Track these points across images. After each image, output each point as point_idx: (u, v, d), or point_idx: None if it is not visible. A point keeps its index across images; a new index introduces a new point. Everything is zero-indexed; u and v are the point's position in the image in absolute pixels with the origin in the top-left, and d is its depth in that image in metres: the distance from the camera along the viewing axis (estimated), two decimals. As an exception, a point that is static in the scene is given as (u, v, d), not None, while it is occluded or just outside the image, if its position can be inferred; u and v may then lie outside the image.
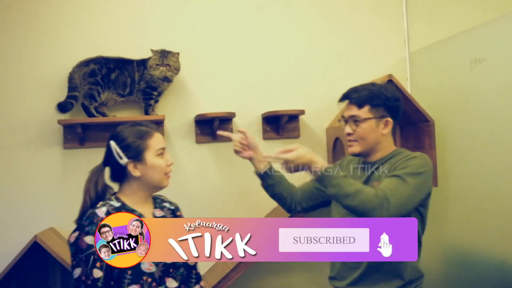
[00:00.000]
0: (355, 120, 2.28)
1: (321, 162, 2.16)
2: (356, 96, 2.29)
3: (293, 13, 3.39)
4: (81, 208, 2.12)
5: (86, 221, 2.00)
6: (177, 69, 3.11)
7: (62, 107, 2.95)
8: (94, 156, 3.11)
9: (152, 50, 3.08)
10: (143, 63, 3.11)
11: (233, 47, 3.32)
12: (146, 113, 3.11)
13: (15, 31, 3.11)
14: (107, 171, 2.19)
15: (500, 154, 2.64)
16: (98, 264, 1.94)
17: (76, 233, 1.99)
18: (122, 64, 3.09)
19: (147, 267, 2.01)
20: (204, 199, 3.22)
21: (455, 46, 2.98)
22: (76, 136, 3.09)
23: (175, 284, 2.07)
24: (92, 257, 1.94)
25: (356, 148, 2.31)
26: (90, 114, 3.03)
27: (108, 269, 1.95)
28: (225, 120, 3.23)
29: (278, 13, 3.37)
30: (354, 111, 2.28)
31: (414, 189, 2.14)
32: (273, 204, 3.27)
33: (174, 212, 2.25)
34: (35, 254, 2.92)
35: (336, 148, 3.25)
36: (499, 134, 2.65)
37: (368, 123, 2.27)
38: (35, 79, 3.11)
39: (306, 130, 3.37)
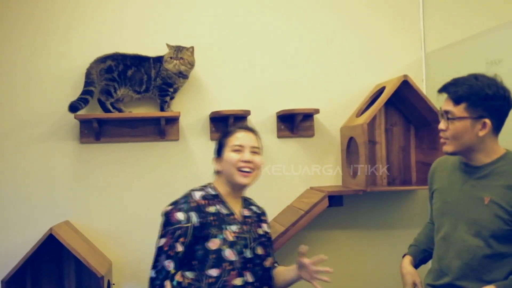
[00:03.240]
0: (449, 117, 2.07)
1: None
2: (454, 91, 2.06)
3: (309, 13, 3.39)
4: None
5: (182, 199, 2.23)
6: (191, 64, 3.12)
7: (73, 108, 2.97)
8: (109, 151, 3.17)
9: (167, 45, 3.10)
10: (159, 60, 3.13)
11: (249, 45, 3.33)
12: (162, 109, 3.13)
13: (30, 28, 3.14)
14: None
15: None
16: (181, 240, 2.12)
17: (171, 207, 2.21)
18: (138, 61, 3.11)
19: (229, 254, 2.15)
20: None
21: (471, 47, 2.97)
22: (92, 131, 3.11)
23: (252, 279, 2.20)
24: (178, 231, 2.12)
25: (449, 147, 2.11)
26: (106, 110, 3.06)
27: (192, 249, 2.13)
28: (240, 118, 3.25)
29: (295, 13, 3.38)
30: (450, 106, 2.07)
31: None
32: (286, 202, 3.30)
33: (260, 216, 2.40)
34: (50, 247, 2.95)
35: (350, 147, 3.25)
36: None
37: (462, 123, 2.05)
38: (52, 75, 3.14)
39: (321, 129, 3.38)
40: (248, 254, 2.19)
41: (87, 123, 3.11)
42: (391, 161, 3.36)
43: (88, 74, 3.05)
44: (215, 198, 2.27)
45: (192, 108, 3.25)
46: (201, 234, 2.14)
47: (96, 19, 3.20)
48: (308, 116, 3.32)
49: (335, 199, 3.11)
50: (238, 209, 2.31)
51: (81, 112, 3.03)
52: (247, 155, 2.25)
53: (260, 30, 3.34)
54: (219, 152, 2.33)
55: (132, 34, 3.21)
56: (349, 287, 3.37)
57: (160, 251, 2.13)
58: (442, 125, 2.11)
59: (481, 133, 2.05)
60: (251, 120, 3.29)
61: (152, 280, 2.11)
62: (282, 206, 3.30)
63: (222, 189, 2.31)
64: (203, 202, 2.22)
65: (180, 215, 2.15)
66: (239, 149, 2.25)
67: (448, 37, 3.34)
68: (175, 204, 2.21)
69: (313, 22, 3.39)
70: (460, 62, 3.06)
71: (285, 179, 3.34)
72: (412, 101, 3.16)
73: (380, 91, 3.22)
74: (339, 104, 3.37)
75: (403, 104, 3.27)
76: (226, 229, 2.18)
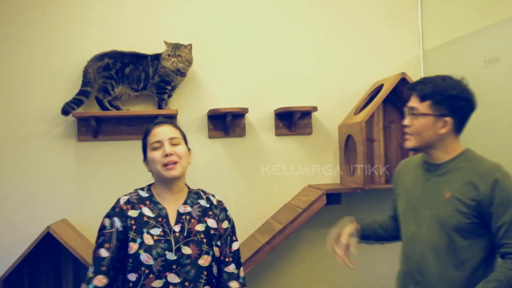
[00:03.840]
0: (414, 113, 2.15)
1: None
2: (420, 89, 2.14)
3: (307, 11, 3.39)
4: None
5: (112, 206, 2.21)
6: (188, 61, 3.12)
7: (64, 111, 3.00)
8: (107, 149, 3.17)
9: (165, 42, 3.10)
10: (157, 58, 3.13)
11: (247, 43, 3.33)
12: (160, 107, 3.12)
13: (29, 26, 3.13)
14: None
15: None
16: (106, 245, 2.11)
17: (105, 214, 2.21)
18: (136, 59, 3.11)
19: (145, 259, 2.09)
20: (215, 194, 3.23)
21: (469, 45, 2.97)
22: (90, 129, 3.11)
23: (177, 280, 2.11)
24: (102, 237, 2.13)
25: (411, 142, 2.18)
26: (104, 108, 3.06)
27: (116, 252, 2.12)
28: (238, 116, 3.25)
29: (293, 10, 3.37)
30: (415, 103, 2.14)
31: None
32: (284, 200, 3.30)
33: (206, 211, 2.26)
34: (47, 245, 2.95)
35: (348, 145, 3.25)
36: (512, 133, 2.65)
37: (425, 119, 2.13)
38: (49, 73, 3.14)
39: (319, 127, 3.38)
40: (171, 256, 2.11)
41: (85, 121, 3.11)
42: (389, 159, 3.36)
43: (85, 73, 3.06)
44: (145, 200, 2.20)
45: (190, 106, 3.25)
46: (124, 238, 2.12)
47: (95, 16, 3.19)
48: (306, 113, 3.32)
49: (333, 197, 3.11)
50: (175, 207, 2.22)
51: (78, 110, 3.04)
52: (167, 149, 2.17)
53: (258, 28, 3.34)
54: (144, 154, 2.26)
55: (130, 32, 3.21)
56: (347, 285, 3.37)
57: (92, 255, 2.14)
58: (406, 121, 2.19)
59: (442, 131, 2.13)
60: (249, 118, 3.29)
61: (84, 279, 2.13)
62: (280, 204, 3.31)
63: (157, 189, 2.25)
64: (125, 207, 2.17)
65: (106, 221, 2.16)
66: (158, 146, 2.19)
67: (446, 34, 3.35)
68: (108, 211, 2.21)
69: (311, 20, 3.39)
70: (458, 59, 3.06)
71: (283, 177, 3.34)
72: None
73: (378, 88, 3.22)
74: (337, 102, 3.37)
75: (401, 102, 3.26)
76: (146, 232, 2.12)
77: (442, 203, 2.14)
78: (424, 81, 2.18)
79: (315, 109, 3.24)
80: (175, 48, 3.08)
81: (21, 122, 3.12)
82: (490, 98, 2.79)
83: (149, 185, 2.29)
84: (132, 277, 2.09)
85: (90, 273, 2.09)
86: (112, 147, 3.18)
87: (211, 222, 2.24)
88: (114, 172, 3.18)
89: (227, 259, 2.25)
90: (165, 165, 2.16)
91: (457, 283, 2.11)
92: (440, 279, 2.13)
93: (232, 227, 2.31)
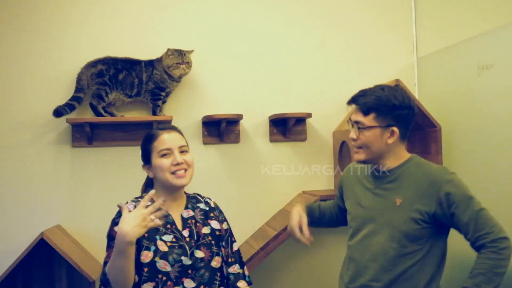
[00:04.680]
0: (360, 127, 2.18)
1: None
2: (363, 102, 2.16)
3: (302, 17, 3.40)
4: None
5: (117, 215, 2.11)
6: (191, 66, 3.17)
7: (57, 113, 2.99)
8: (102, 155, 3.17)
9: (169, 50, 3.09)
10: (151, 63, 3.13)
11: (241, 50, 3.33)
12: (154, 113, 3.12)
13: (24, 31, 3.13)
14: None
15: (507, 161, 2.64)
16: None
17: (109, 227, 2.12)
18: (130, 64, 3.11)
19: (162, 266, 2.06)
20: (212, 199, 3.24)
21: (463, 52, 2.98)
22: (84, 135, 3.11)
23: (193, 284, 2.10)
24: None
25: (361, 155, 2.22)
26: (98, 114, 3.05)
27: (136, 257, 2.03)
28: (233, 122, 3.25)
29: (287, 17, 3.38)
30: (359, 117, 2.17)
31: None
32: (278, 206, 3.30)
33: (207, 213, 2.27)
34: (41, 251, 2.94)
35: (342, 151, 3.25)
36: (506, 140, 2.65)
37: (372, 132, 2.16)
38: (43, 78, 3.13)
39: (313, 134, 3.38)
40: (186, 261, 2.10)
41: (79, 127, 3.10)
42: (384, 165, 3.36)
43: (78, 79, 3.06)
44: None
45: (184, 112, 3.25)
46: (137, 244, 2.03)
47: (90, 22, 3.19)
48: (300, 120, 3.32)
49: (327, 203, 3.11)
50: (178, 213, 2.21)
51: (73, 116, 3.04)
52: (178, 158, 2.15)
53: (252, 34, 3.35)
54: (147, 159, 2.21)
55: (125, 38, 3.21)
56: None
57: (104, 264, 2.05)
58: (352, 134, 2.22)
59: (390, 141, 2.17)
60: (244, 124, 3.30)
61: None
62: (275, 210, 3.31)
63: (161, 195, 2.17)
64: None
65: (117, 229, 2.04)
66: (168, 153, 2.16)
67: (440, 41, 3.36)
68: (112, 222, 2.13)
69: (305, 27, 3.40)
70: (452, 66, 3.07)
71: (278, 184, 3.34)
72: (404, 106, 3.17)
73: (373, 95, 3.23)
74: (331, 109, 3.38)
75: (395, 109, 3.27)
76: (159, 239, 2.10)
77: (393, 210, 2.18)
78: (364, 94, 2.20)
79: (309, 115, 3.24)
80: (181, 55, 3.10)
81: (16, 128, 3.11)
82: (483, 105, 2.81)
83: (142, 195, 2.25)
84: (148, 286, 2.05)
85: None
86: (106, 153, 3.18)
87: (215, 224, 2.25)
88: (109, 178, 3.17)
89: (230, 260, 2.26)
90: (173, 172, 2.15)
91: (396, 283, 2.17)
92: (386, 283, 2.18)
93: (230, 228, 2.34)
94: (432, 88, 3.31)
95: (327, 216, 2.59)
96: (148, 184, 2.31)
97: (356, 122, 2.19)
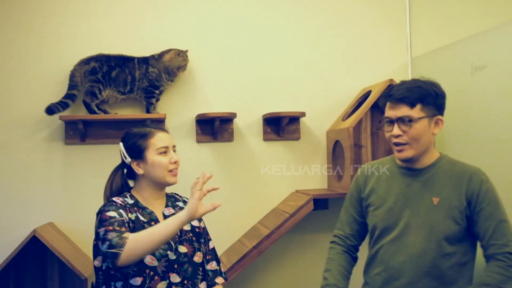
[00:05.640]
0: (407, 121, 2.10)
1: None
2: (408, 95, 2.10)
3: (296, 16, 3.40)
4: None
5: (106, 204, 2.16)
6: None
7: (50, 110, 2.98)
8: (95, 152, 3.16)
9: (179, 51, 3.13)
10: (145, 61, 3.12)
11: (235, 48, 3.33)
12: (148, 111, 3.12)
13: (18, 28, 3.12)
14: None
15: (501, 160, 2.65)
16: (118, 228, 2.00)
17: (100, 211, 2.12)
18: (123, 61, 3.11)
19: (149, 260, 2.10)
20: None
21: (457, 52, 2.99)
22: (77, 132, 3.10)
23: (178, 279, 2.15)
24: (115, 222, 2.03)
25: (408, 152, 2.14)
26: (91, 111, 3.05)
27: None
28: (226, 120, 3.25)
29: (281, 15, 3.38)
30: (405, 111, 2.10)
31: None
32: (271, 205, 3.30)
33: None
34: (33, 248, 2.93)
35: (336, 151, 3.26)
36: (499, 140, 2.67)
37: (421, 123, 2.11)
38: (37, 75, 3.12)
39: (307, 132, 3.39)
40: (172, 255, 2.15)
41: (73, 124, 3.09)
42: (377, 165, 3.37)
43: (71, 76, 3.05)
44: (133, 207, 2.19)
45: (178, 110, 3.25)
46: (133, 231, 2.06)
47: (84, 20, 3.18)
48: (294, 119, 3.33)
49: (320, 202, 3.12)
50: (160, 211, 2.26)
51: (66, 113, 3.03)
52: (174, 156, 2.24)
53: (246, 33, 3.35)
54: (139, 155, 2.23)
55: (119, 35, 3.20)
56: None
57: (104, 234, 1.98)
58: (397, 131, 2.13)
59: (436, 131, 2.16)
60: (237, 123, 3.29)
61: (109, 250, 1.94)
62: (268, 209, 3.31)
63: (144, 194, 2.25)
64: (123, 204, 2.17)
65: (111, 213, 2.06)
66: (165, 151, 2.23)
67: (434, 42, 3.37)
68: (100, 211, 2.11)
69: (299, 25, 3.40)
70: (445, 66, 3.08)
71: (271, 182, 3.34)
72: (398, 105, 3.17)
73: (366, 95, 3.24)
74: (325, 108, 3.38)
75: (389, 108, 3.28)
76: None
77: (430, 209, 2.13)
78: (404, 88, 2.14)
79: (303, 114, 3.25)
80: (185, 55, 3.16)
81: (9, 125, 3.10)
82: (476, 105, 2.82)
83: (128, 192, 2.28)
84: (136, 281, 2.08)
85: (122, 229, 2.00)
86: (99, 151, 3.17)
87: (194, 222, 2.31)
88: (102, 175, 3.12)
89: (207, 257, 2.32)
90: (170, 171, 2.22)
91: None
92: (424, 286, 2.11)
93: (206, 227, 2.40)
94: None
95: (349, 266, 2.35)
96: (125, 184, 2.33)
97: (401, 118, 2.12)
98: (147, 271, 2.09)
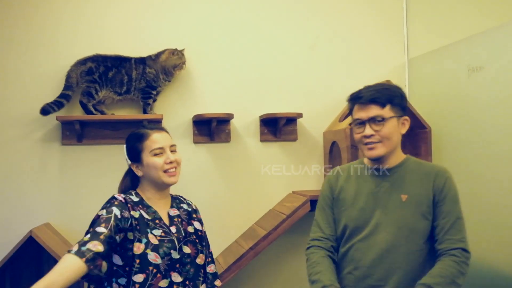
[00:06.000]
0: (378, 120, 2.17)
1: None
2: (379, 96, 2.17)
3: (293, 17, 3.40)
4: None
5: (105, 203, 2.19)
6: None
7: (44, 111, 2.99)
8: (91, 153, 3.16)
9: (174, 50, 3.12)
10: (142, 61, 3.12)
11: (232, 49, 3.33)
12: (145, 112, 3.12)
13: (15, 29, 3.12)
14: None
15: (496, 162, 2.66)
16: (103, 225, 2.03)
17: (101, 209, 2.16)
18: (119, 62, 3.11)
19: (153, 258, 2.12)
20: (200, 199, 3.22)
21: (453, 54, 2.99)
22: (74, 133, 3.10)
23: (180, 279, 2.16)
24: (99, 221, 2.05)
25: (380, 150, 2.20)
26: (88, 112, 3.04)
27: (113, 232, 2.04)
28: (223, 121, 3.25)
29: (279, 17, 3.39)
30: (376, 111, 2.17)
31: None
32: (268, 206, 3.30)
33: (191, 214, 2.37)
34: (30, 249, 2.93)
35: (333, 152, 3.26)
36: (495, 141, 2.67)
37: (391, 122, 2.18)
38: (34, 76, 3.12)
39: (304, 133, 3.39)
40: (175, 255, 2.16)
41: (69, 125, 3.09)
42: (374, 166, 3.37)
43: (68, 77, 3.05)
44: (139, 204, 2.22)
45: (175, 111, 3.25)
46: (122, 228, 2.07)
47: (82, 20, 3.18)
48: (291, 120, 3.33)
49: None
50: (165, 211, 2.28)
51: (62, 114, 3.02)
52: (171, 156, 2.24)
53: (244, 34, 3.35)
54: (136, 157, 2.27)
55: (116, 36, 3.20)
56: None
57: (85, 234, 2.05)
58: (369, 131, 2.19)
59: (403, 131, 2.25)
60: (234, 124, 3.29)
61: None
62: (264, 210, 3.31)
63: (147, 193, 2.28)
64: (124, 201, 2.18)
65: (101, 212, 2.10)
66: (160, 152, 2.23)
67: (431, 43, 3.38)
68: (101, 210, 2.16)
69: (297, 27, 3.41)
70: (442, 68, 3.08)
71: (268, 183, 3.34)
72: (395, 107, 3.17)
73: (363, 96, 3.23)
74: (322, 109, 3.38)
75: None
76: (149, 232, 2.15)
77: (399, 206, 2.19)
78: (373, 90, 2.21)
79: (300, 115, 3.25)
80: (182, 54, 3.16)
81: (5, 125, 3.10)
82: (473, 107, 2.82)
83: (134, 191, 2.31)
84: (138, 278, 2.10)
85: (85, 238, 2.00)
86: (96, 151, 3.17)
87: (197, 225, 2.34)
88: (98, 176, 3.16)
89: (208, 260, 2.35)
90: (166, 171, 2.23)
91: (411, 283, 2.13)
92: (395, 282, 2.15)
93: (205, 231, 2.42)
94: (422, 89, 3.32)
95: (335, 269, 2.31)
96: (134, 183, 2.36)
97: (373, 118, 2.18)
98: (150, 268, 2.10)
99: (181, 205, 2.37)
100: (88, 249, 1.93)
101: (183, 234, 2.23)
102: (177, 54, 3.13)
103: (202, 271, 2.27)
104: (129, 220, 2.12)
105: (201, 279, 2.25)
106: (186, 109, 3.25)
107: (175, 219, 2.27)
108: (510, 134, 2.57)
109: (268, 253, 3.30)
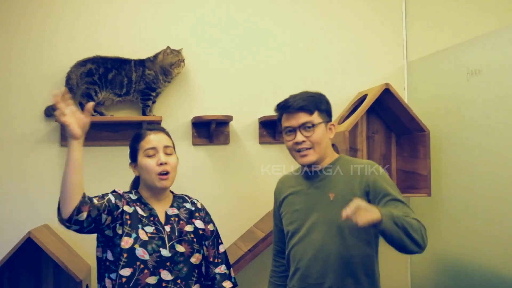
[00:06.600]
0: (308, 127, 2.25)
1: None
2: (306, 104, 2.27)
3: (292, 20, 3.40)
4: None
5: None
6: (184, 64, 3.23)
7: (48, 113, 3.03)
8: (90, 154, 3.15)
9: (168, 48, 3.12)
10: (142, 63, 3.13)
11: (231, 51, 3.34)
12: (144, 113, 3.12)
13: (16, 30, 3.12)
14: None
15: (494, 165, 2.66)
16: (96, 199, 2.11)
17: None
18: (119, 64, 3.11)
19: (141, 254, 2.12)
20: (198, 201, 3.24)
21: (452, 57, 3.00)
22: (73, 134, 3.09)
23: (170, 277, 2.15)
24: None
25: (312, 156, 2.27)
26: (87, 113, 3.04)
27: (103, 209, 2.08)
28: (222, 123, 3.25)
29: (278, 19, 3.39)
30: (306, 118, 2.25)
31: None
32: (267, 207, 3.29)
33: (192, 213, 2.34)
34: (28, 250, 2.92)
35: (332, 154, 3.26)
36: (493, 145, 2.68)
37: (320, 128, 2.26)
38: (34, 77, 3.12)
39: (302, 136, 3.38)
40: (165, 252, 2.16)
41: (68, 126, 3.08)
42: (372, 169, 3.37)
43: (68, 79, 3.05)
44: (135, 202, 2.24)
45: (174, 112, 3.25)
46: (114, 211, 2.12)
47: (82, 22, 3.19)
48: (290, 122, 3.32)
49: (315, 206, 3.12)
50: (163, 209, 2.27)
51: (62, 115, 3.02)
52: (162, 157, 2.21)
53: (242, 36, 3.35)
54: (134, 157, 2.28)
55: (116, 37, 3.21)
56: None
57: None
58: (300, 137, 2.26)
59: (331, 135, 2.33)
60: (233, 126, 3.30)
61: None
62: (263, 212, 3.30)
63: (144, 193, 2.29)
64: (121, 194, 2.23)
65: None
66: (152, 153, 2.22)
67: (430, 46, 3.38)
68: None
69: (296, 29, 3.41)
70: (441, 71, 3.09)
71: (267, 185, 3.33)
72: (394, 109, 3.18)
73: (362, 99, 3.24)
74: (321, 111, 3.38)
75: (384, 112, 3.28)
76: (140, 228, 2.16)
77: (328, 205, 2.24)
78: (300, 98, 2.29)
79: (299, 118, 3.24)
80: (179, 52, 3.15)
81: (4, 126, 3.10)
82: (472, 110, 2.83)
83: (134, 189, 2.33)
84: (126, 272, 2.10)
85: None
86: (95, 153, 3.16)
87: (199, 223, 2.32)
88: (97, 178, 3.15)
89: (216, 260, 2.33)
90: (159, 174, 2.20)
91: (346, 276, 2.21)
92: (332, 280, 2.21)
93: (217, 230, 2.39)
94: (421, 92, 3.33)
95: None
96: (136, 182, 2.37)
97: (303, 124, 2.25)
98: (138, 263, 2.11)
99: (184, 204, 2.35)
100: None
101: (176, 234, 2.22)
102: (173, 52, 3.12)
103: (197, 271, 2.24)
104: (119, 210, 2.15)
105: (194, 279, 2.22)
106: (185, 111, 3.25)
107: (172, 218, 2.26)
108: (509, 137, 2.58)
109: (266, 255, 3.30)
